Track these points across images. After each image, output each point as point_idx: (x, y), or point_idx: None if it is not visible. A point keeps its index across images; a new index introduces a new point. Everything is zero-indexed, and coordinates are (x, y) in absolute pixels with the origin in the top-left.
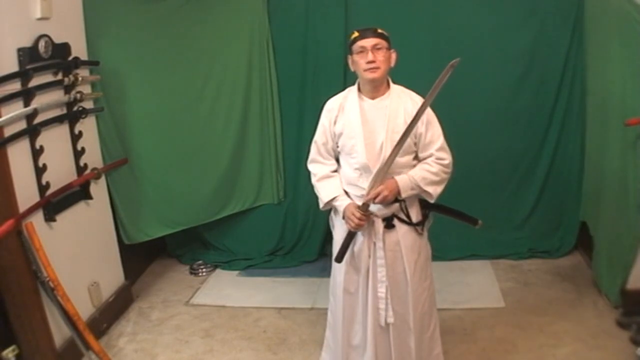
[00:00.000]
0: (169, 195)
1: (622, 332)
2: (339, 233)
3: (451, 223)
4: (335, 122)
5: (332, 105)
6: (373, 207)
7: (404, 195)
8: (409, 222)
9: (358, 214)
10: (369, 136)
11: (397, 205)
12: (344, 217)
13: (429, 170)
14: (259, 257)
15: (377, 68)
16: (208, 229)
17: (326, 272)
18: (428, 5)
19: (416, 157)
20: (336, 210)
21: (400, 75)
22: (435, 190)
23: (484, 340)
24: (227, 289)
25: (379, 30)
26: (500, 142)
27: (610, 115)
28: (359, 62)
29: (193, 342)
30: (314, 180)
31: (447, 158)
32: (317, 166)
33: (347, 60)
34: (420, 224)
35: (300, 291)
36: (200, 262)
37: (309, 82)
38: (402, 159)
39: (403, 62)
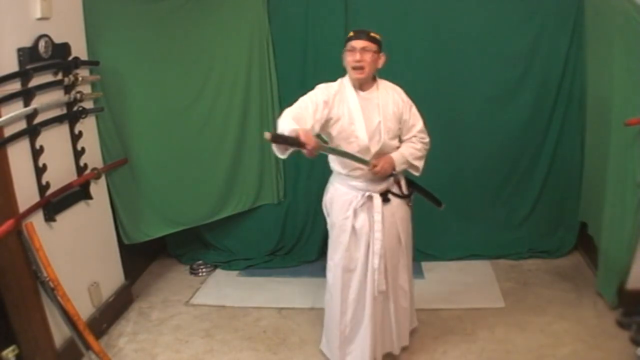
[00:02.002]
0: (169, 195)
1: (622, 332)
2: (338, 215)
3: (451, 223)
4: (334, 106)
5: (331, 89)
6: (371, 186)
7: (398, 168)
8: (401, 195)
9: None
10: (367, 122)
11: (391, 180)
12: (299, 145)
13: (415, 147)
14: (259, 257)
15: (362, 68)
16: (208, 229)
17: (326, 272)
18: (428, 5)
19: (399, 140)
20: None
21: (401, 74)
22: (420, 164)
23: (484, 340)
24: (227, 289)
25: (372, 34)
26: (500, 142)
27: (610, 115)
28: (348, 59)
29: (193, 342)
30: (285, 114)
31: (427, 137)
32: (296, 108)
33: (342, 56)
34: (409, 196)
35: (300, 291)
36: (200, 262)
37: (308, 82)
38: (392, 142)
39: (403, 61)
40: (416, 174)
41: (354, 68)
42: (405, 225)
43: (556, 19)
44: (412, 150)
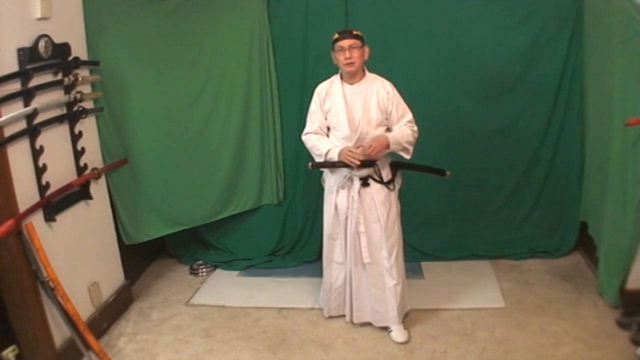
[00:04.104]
0: (169, 195)
1: (622, 332)
2: (326, 188)
3: (451, 223)
4: (324, 103)
5: (320, 89)
6: (353, 171)
7: (392, 147)
8: (380, 181)
9: (351, 150)
10: (349, 113)
11: (371, 168)
12: (339, 162)
13: (407, 132)
14: (259, 257)
15: (353, 63)
16: (208, 229)
17: None
18: (428, 6)
19: (388, 130)
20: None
21: (400, 73)
22: (411, 148)
23: (484, 340)
24: (227, 289)
25: (354, 32)
26: (500, 141)
27: (610, 115)
28: (339, 58)
29: (193, 342)
30: (310, 142)
31: (415, 127)
32: (311, 132)
33: (331, 55)
34: (390, 182)
35: (300, 291)
36: (200, 262)
37: (308, 82)
38: (376, 131)
39: (403, 60)
40: (407, 156)
41: (346, 64)
42: (384, 208)
43: (556, 19)
44: (404, 134)
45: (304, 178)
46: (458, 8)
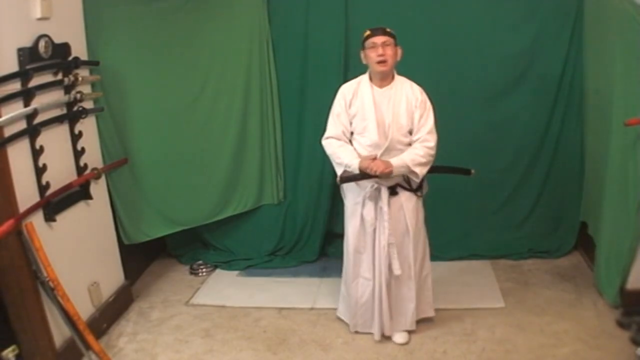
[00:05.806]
0: (168, 195)
1: (622, 332)
2: (350, 200)
3: (451, 223)
4: (350, 105)
5: (347, 90)
6: (381, 180)
7: (395, 172)
8: (409, 189)
9: (368, 161)
10: (379, 118)
11: (400, 177)
12: (360, 173)
13: (418, 153)
14: (259, 257)
15: (386, 61)
16: (208, 229)
17: (326, 272)
18: (428, 5)
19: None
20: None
21: (400, 73)
22: (421, 171)
23: (484, 340)
24: (227, 289)
25: (388, 30)
26: (500, 141)
27: (610, 115)
28: (371, 56)
29: (193, 342)
30: (330, 148)
31: (432, 141)
32: (333, 137)
33: (360, 54)
34: (419, 189)
35: (300, 291)
36: (200, 262)
37: (309, 82)
38: (404, 138)
39: (403, 61)
40: (415, 179)
41: (379, 62)
42: (413, 217)
43: (556, 18)
44: (413, 156)
45: (304, 178)
46: (458, 8)
